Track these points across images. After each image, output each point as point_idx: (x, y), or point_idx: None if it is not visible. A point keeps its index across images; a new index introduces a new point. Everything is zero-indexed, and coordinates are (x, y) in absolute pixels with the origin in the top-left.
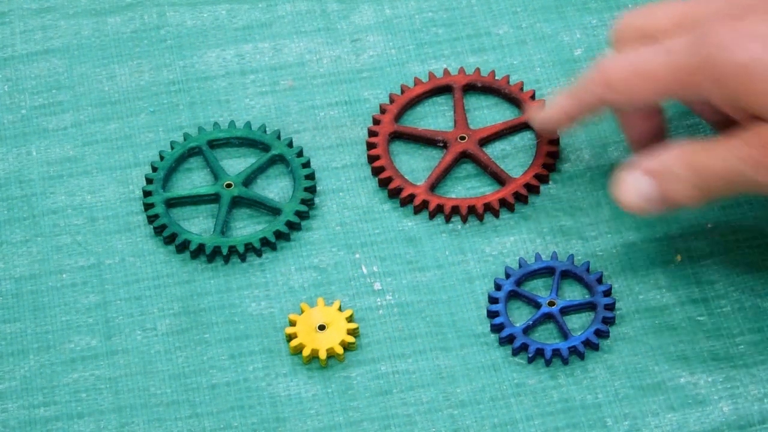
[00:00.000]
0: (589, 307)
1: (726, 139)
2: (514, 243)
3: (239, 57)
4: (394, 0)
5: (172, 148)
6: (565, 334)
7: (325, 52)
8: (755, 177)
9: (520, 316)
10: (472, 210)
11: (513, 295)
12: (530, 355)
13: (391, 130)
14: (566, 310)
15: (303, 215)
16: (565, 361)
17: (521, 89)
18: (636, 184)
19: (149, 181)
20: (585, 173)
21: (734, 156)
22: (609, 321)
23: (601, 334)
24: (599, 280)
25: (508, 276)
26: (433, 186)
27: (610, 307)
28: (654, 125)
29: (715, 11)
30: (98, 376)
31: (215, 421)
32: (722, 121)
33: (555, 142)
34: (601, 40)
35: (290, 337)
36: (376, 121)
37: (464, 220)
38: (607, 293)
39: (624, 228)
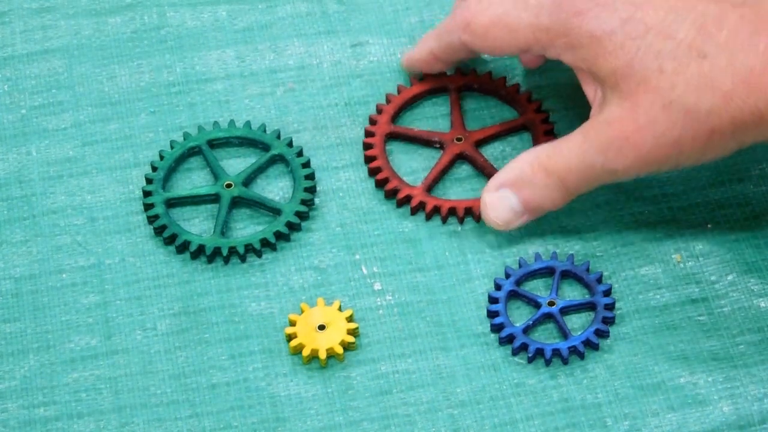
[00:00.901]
0: (589, 307)
1: (571, 135)
2: (514, 243)
3: (239, 59)
4: (395, 2)
5: (172, 148)
6: (565, 334)
7: (325, 53)
8: (607, 164)
9: (520, 316)
10: (468, 212)
11: (513, 295)
12: (530, 355)
13: (388, 130)
14: (566, 310)
15: (303, 215)
16: (565, 361)
17: (518, 91)
18: (498, 201)
19: (149, 181)
20: None
21: (582, 149)
22: (609, 321)
23: (601, 334)
24: (599, 280)
25: (508, 276)
26: (430, 187)
27: (610, 307)
28: (443, 68)
29: None
30: (98, 376)
31: (215, 421)
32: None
33: None
34: None
35: (290, 337)
36: (372, 122)
37: (461, 221)
38: (607, 293)
39: (624, 228)
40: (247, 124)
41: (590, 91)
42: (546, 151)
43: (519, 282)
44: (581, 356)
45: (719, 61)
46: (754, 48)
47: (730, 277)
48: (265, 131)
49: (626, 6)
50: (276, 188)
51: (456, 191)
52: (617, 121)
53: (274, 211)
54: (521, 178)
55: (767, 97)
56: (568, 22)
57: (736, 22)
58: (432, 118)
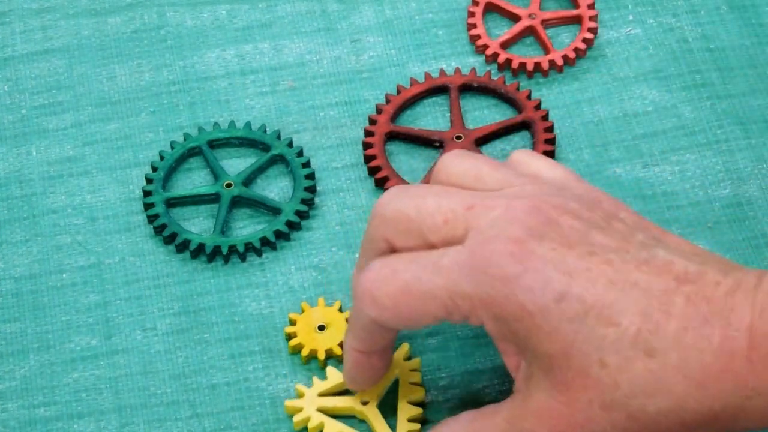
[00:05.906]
0: None
1: (497, 414)
2: None
3: (239, 57)
4: (395, 0)
5: (172, 148)
6: None
7: (325, 52)
8: None
9: None
10: None
11: None
12: None
13: (387, 130)
14: None
15: (303, 215)
16: None
17: (517, 89)
18: None
19: (149, 181)
20: (585, 173)
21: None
22: None
23: None
24: None
25: None
26: None
27: None
28: (384, 365)
29: (496, 218)
30: (98, 376)
31: (215, 422)
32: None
33: (551, 141)
34: (600, 41)
35: (290, 337)
36: (372, 122)
37: None
38: None
39: None
40: (248, 124)
41: (512, 362)
42: (473, 425)
43: None
44: None
45: (670, 360)
46: (707, 341)
47: None
48: (265, 131)
49: (560, 275)
50: (276, 188)
51: None
52: (548, 413)
53: (274, 210)
54: None
55: (724, 398)
56: (494, 289)
57: (683, 306)
58: (432, 117)
